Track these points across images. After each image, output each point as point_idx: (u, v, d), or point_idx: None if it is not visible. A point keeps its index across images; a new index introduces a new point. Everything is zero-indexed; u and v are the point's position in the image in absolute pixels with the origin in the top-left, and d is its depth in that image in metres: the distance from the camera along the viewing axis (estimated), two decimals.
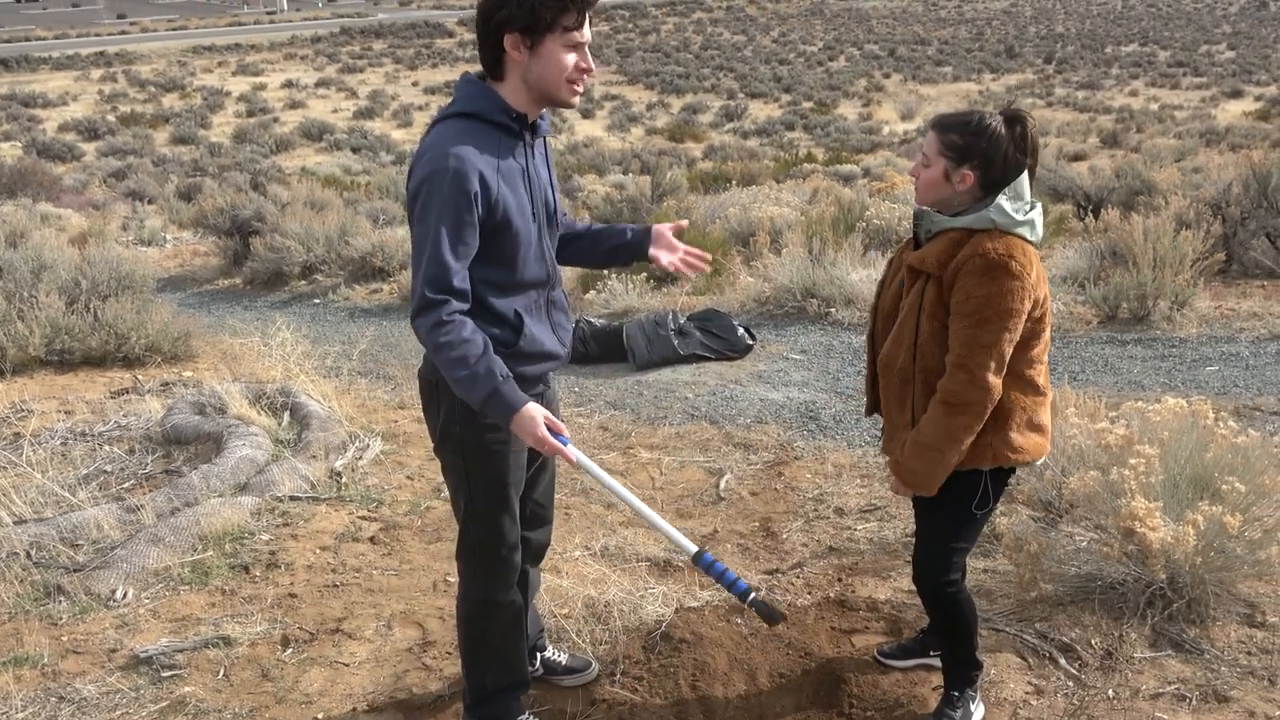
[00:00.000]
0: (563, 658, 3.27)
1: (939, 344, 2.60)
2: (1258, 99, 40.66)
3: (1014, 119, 2.55)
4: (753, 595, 2.60)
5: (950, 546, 2.77)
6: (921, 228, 2.69)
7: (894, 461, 2.72)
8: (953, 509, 2.72)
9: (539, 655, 3.25)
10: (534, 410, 2.45)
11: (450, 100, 2.59)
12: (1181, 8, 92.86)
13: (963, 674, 2.93)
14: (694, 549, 2.64)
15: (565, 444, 2.50)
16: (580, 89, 2.54)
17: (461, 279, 2.45)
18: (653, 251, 2.85)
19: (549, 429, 2.47)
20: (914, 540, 2.89)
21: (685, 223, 3.00)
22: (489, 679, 2.90)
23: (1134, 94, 46.32)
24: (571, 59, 2.49)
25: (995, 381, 2.53)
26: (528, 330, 2.63)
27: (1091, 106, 41.98)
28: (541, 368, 2.73)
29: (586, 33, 2.50)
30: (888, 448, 2.79)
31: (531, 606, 3.21)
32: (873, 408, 2.95)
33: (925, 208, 2.68)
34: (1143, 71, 54.00)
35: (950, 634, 2.89)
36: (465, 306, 2.46)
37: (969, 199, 2.60)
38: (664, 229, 2.88)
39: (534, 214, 2.61)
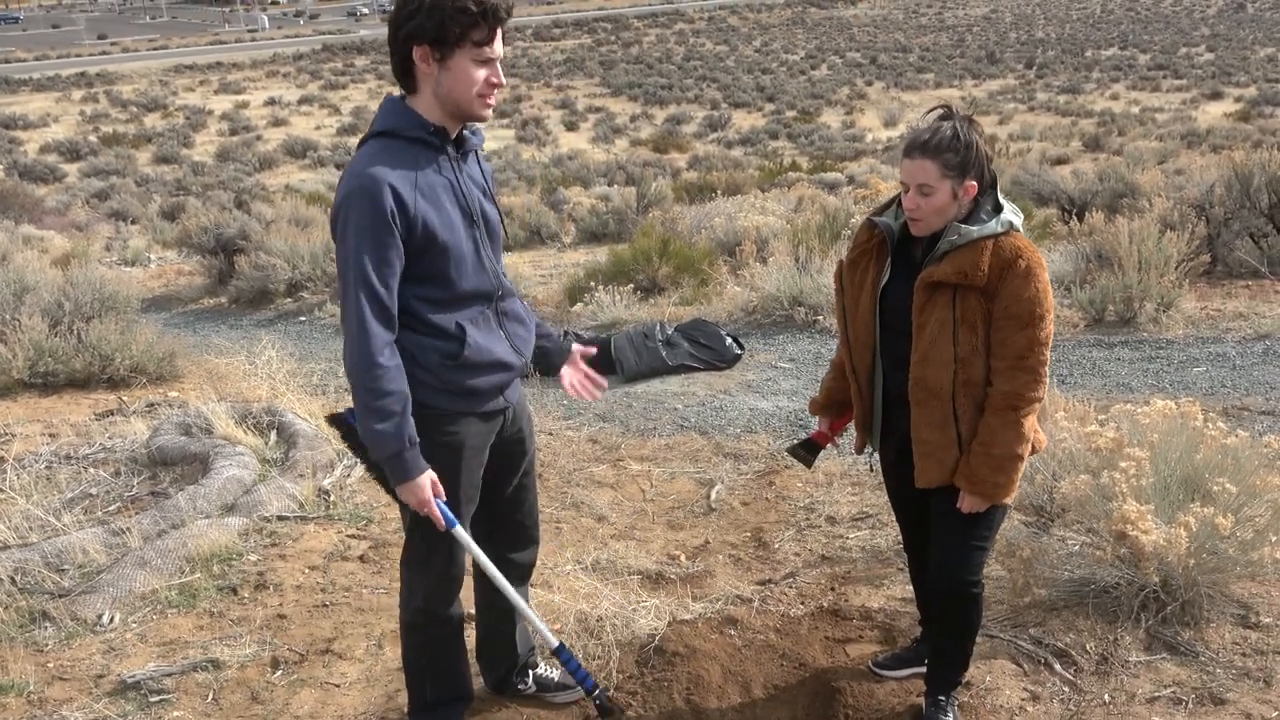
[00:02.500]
0: (555, 674, 3.24)
1: (980, 355, 2.62)
2: (1238, 100, 41.03)
3: (967, 120, 2.64)
4: (597, 690, 3.00)
5: (981, 546, 2.79)
6: (944, 240, 2.64)
7: (968, 482, 2.66)
8: (985, 509, 2.72)
9: (531, 672, 3.22)
10: (425, 481, 2.54)
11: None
12: (1160, 11, 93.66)
13: (953, 678, 2.94)
14: (555, 643, 2.96)
15: (453, 525, 2.63)
16: (491, 103, 2.53)
17: (394, 305, 2.48)
18: (563, 370, 3.02)
19: (437, 497, 2.59)
20: (934, 545, 2.84)
21: (594, 350, 3.13)
22: (428, 690, 2.91)
23: (1115, 97, 46.69)
24: (482, 74, 2.47)
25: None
26: (472, 340, 2.59)
27: (1073, 110, 42.29)
28: (495, 379, 2.68)
29: (498, 48, 2.47)
30: (927, 477, 2.72)
31: (520, 624, 3.18)
32: (867, 442, 2.95)
33: (957, 223, 2.66)
34: (1123, 75, 54.45)
35: (960, 635, 2.89)
36: (395, 335, 2.49)
37: (969, 206, 2.66)
38: (579, 351, 3.04)
39: (467, 227, 2.57)
